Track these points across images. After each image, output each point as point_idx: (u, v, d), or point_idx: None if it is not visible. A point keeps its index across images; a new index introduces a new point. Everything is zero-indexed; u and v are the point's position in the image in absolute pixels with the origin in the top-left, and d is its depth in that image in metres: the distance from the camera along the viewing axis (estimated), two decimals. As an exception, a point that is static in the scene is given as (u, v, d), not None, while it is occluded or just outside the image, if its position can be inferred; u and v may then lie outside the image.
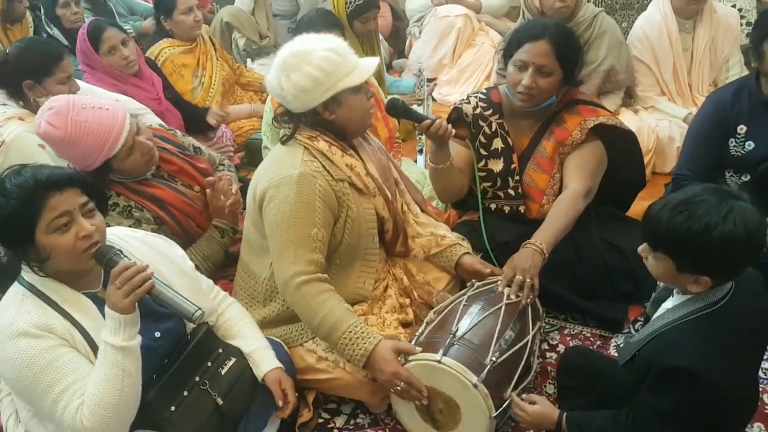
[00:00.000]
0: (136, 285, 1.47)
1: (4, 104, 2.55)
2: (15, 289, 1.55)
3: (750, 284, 1.54)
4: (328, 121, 1.93)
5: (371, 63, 1.93)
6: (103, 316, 1.50)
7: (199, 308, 1.54)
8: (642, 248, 1.54)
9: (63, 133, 1.92)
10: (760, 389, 2.06)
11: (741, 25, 3.51)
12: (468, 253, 2.20)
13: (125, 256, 1.54)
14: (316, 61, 1.82)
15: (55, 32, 3.94)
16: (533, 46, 2.21)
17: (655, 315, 1.60)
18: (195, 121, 3.32)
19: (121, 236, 1.70)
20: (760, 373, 2.15)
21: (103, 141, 1.95)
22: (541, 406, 1.72)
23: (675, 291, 1.58)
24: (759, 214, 1.39)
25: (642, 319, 2.30)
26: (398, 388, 1.77)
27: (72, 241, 1.48)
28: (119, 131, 1.97)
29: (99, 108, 1.97)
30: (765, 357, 2.20)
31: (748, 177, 2.52)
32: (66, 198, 1.49)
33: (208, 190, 2.29)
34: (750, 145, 2.48)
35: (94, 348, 1.52)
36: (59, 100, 1.99)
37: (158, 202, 2.16)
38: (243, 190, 2.31)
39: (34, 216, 1.45)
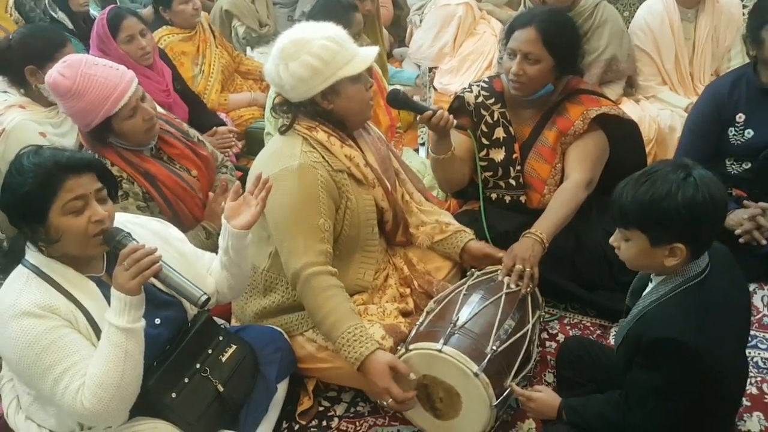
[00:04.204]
0: (144, 267, 1.47)
1: (5, 92, 2.55)
2: (19, 271, 1.55)
3: (723, 261, 1.57)
4: (327, 111, 1.92)
5: (370, 52, 1.92)
6: (107, 300, 1.50)
7: (205, 293, 1.55)
8: (613, 237, 1.56)
9: (71, 84, 1.96)
10: (759, 379, 2.07)
11: (743, 14, 3.49)
12: (473, 239, 2.20)
13: (134, 239, 1.55)
14: (315, 49, 1.81)
15: (60, 15, 3.87)
16: (521, 33, 2.23)
17: (645, 293, 1.61)
18: (200, 116, 3.25)
19: (123, 222, 1.70)
20: (760, 363, 2.16)
21: (107, 95, 1.99)
22: (545, 394, 1.74)
23: (652, 277, 1.59)
24: (718, 181, 1.44)
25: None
26: (386, 403, 1.78)
27: (84, 224, 1.50)
28: (125, 89, 2.02)
29: (110, 67, 2.05)
30: (764, 347, 2.22)
31: (749, 165, 2.53)
32: (83, 182, 1.50)
33: (210, 193, 2.30)
34: (749, 132, 2.49)
35: (97, 331, 1.52)
36: (74, 56, 2.08)
37: (150, 178, 2.17)
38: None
39: (51, 196, 1.47)
